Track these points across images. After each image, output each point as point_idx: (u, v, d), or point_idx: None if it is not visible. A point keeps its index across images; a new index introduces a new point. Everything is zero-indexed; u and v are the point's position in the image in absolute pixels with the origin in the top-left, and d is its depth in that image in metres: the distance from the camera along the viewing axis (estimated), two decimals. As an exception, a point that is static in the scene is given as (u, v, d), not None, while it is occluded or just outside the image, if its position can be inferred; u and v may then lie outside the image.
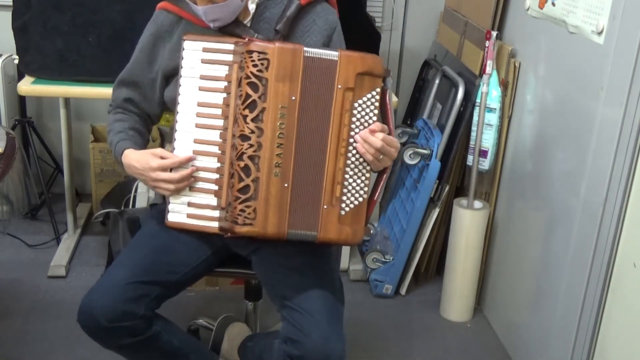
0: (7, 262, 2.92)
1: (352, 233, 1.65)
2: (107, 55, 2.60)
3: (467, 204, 2.62)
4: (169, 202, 1.71)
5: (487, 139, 2.55)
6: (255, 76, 1.60)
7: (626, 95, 1.83)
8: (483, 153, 2.57)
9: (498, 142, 2.58)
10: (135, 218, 2.66)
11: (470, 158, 2.61)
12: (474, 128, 2.56)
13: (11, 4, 2.62)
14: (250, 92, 1.60)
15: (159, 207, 1.91)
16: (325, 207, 1.62)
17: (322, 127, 1.62)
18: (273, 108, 1.60)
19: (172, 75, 1.80)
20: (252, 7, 1.76)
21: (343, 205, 1.64)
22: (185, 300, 2.65)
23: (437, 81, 2.93)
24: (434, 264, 2.96)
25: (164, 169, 1.67)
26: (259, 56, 1.59)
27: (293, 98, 1.60)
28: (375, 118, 1.64)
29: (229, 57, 1.66)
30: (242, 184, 1.60)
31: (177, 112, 1.69)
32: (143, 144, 1.81)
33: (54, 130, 3.36)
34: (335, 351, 1.61)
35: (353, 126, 1.62)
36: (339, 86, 1.61)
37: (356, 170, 1.64)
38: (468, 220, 2.58)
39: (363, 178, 1.65)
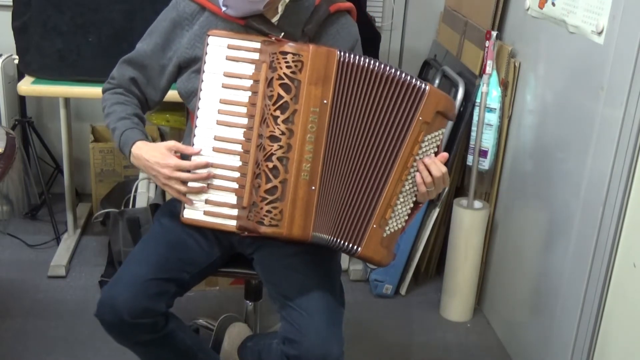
0: (7, 262, 2.92)
1: (386, 256, 1.68)
2: (107, 55, 2.59)
3: (467, 204, 2.62)
4: None
5: (487, 139, 2.55)
6: (288, 77, 1.59)
7: (626, 95, 1.83)
8: (483, 153, 2.57)
9: (498, 142, 2.58)
10: (135, 218, 2.67)
11: (470, 158, 2.61)
12: (474, 128, 2.57)
13: (11, 4, 2.62)
14: (282, 93, 1.59)
15: (172, 202, 1.90)
16: (374, 226, 1.64)
17: (391, 149, 1.64)
18: (305, 110, 1.59)
19: (187, 65, 1.78)
20: (280, 8, 1.76)
21: (386, 228, 1.66)
22: (185, 300, 2.62)
23: (437, 81, 2.93)
24: (434, 264, 2.96)
25: (180, 169, 1.65)
26: (293, 57, 1.58)
27: (325, 101, 1.60)
28: (433, 156, 1.68)
29: (255, 56, 1.65)
30: (269, 185, 1.59)
31: (198, 108, 1.67)
32: (145, 132, 1.77)
33: (54, 130, 3.36)
34: (333, 353, 1.60)
35: (417, 157, 1.65)
36: (420, 118, 1.63)
37: (406, 197, 1.67)
38: (468, 220, 2.58)
39: (409, 207, 1.69)
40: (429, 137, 1.66)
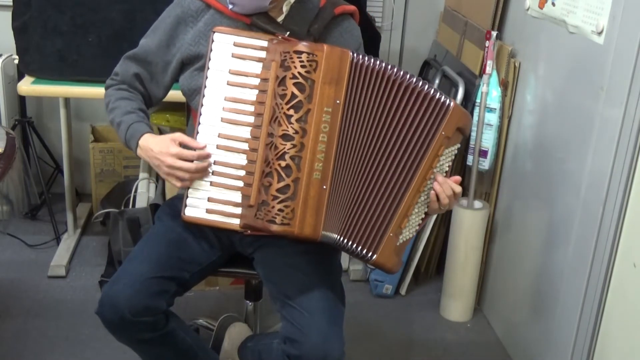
0: (7, 262, 2.92)
1: (397, 263, 1.70)
2: (107, 55, 2.60)
3: (467, 204, 2.62)
4: (188, 196, 1.69)
5: (487, 139, 2.55)
6: (303, 77, 1.58)
7: (626, 95, 1.83)
8: (483, 153, 2.57)
9: (498, 142, 2.58)
10: (135, 218, 2.67)
11: (470, 158, 2.61)
12: (474, 128, 2.56)
13: (11, 4, 2.62)
14: (296, 92, 1.58)
15: (173, 201, 1.90)
16: (391, 234, 1.65)
17: (412, 160, 1.65)
18: (318, 110, 1.59)
19: (190, 62, 1.78)
20: (285, 8, 1.76)
21: (400, 236, 1.68)
22: (185, 300, 2.64)
23: (437, 81, 2.93)
24: (434, 264, 2.96)
25: (182, 158, 1.64)
26: (308, 57, 1.58)
27: (337, 102, 1.60)
28: (448, 169, 1.70)
29: (262, 54, 1.64)
30: (281, 184, 1.58)
31: (202, 105, 1.66)
32: (151, 127, 1.77)
33: (54, 130, 3.36)
34: (334, 352, 1.60)
35: (435, 170, 1.67)
36: (443, 133, 1.64)
37: (420, 208, 1.69)
38: (468, 220, 2.58)
39: (422, 217, 1.70)
40: (447, 151, 1.67)
